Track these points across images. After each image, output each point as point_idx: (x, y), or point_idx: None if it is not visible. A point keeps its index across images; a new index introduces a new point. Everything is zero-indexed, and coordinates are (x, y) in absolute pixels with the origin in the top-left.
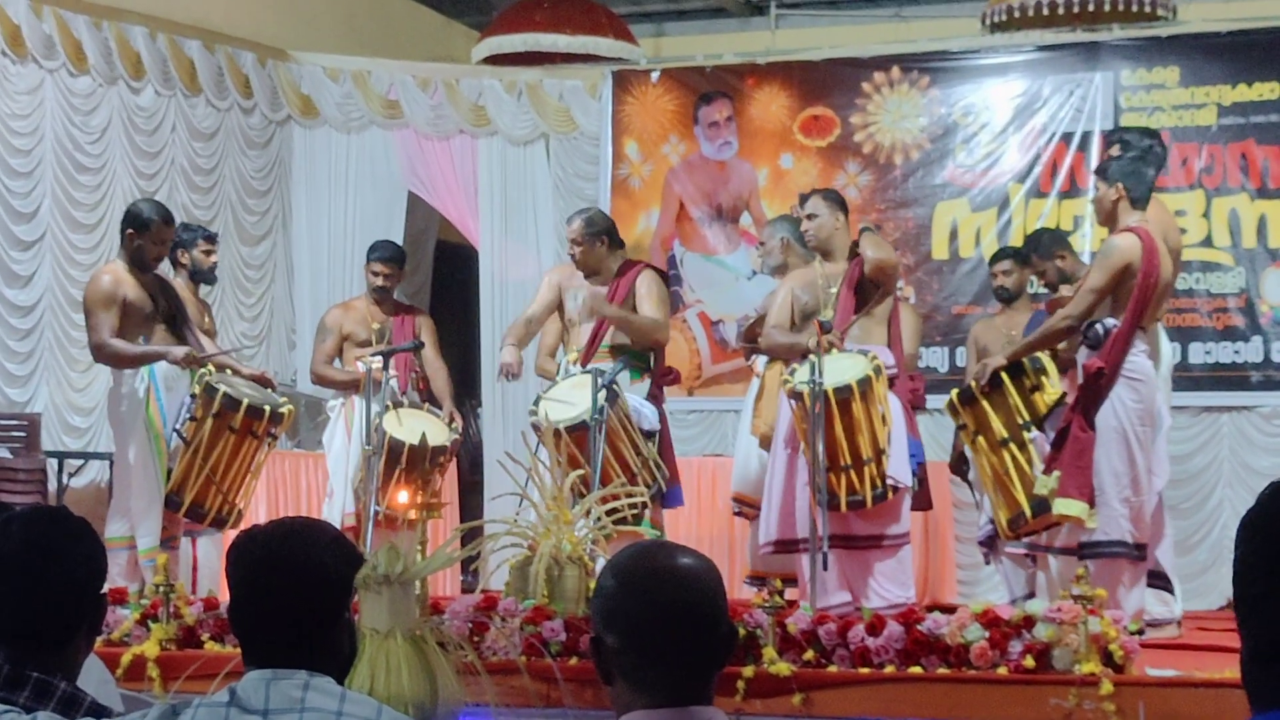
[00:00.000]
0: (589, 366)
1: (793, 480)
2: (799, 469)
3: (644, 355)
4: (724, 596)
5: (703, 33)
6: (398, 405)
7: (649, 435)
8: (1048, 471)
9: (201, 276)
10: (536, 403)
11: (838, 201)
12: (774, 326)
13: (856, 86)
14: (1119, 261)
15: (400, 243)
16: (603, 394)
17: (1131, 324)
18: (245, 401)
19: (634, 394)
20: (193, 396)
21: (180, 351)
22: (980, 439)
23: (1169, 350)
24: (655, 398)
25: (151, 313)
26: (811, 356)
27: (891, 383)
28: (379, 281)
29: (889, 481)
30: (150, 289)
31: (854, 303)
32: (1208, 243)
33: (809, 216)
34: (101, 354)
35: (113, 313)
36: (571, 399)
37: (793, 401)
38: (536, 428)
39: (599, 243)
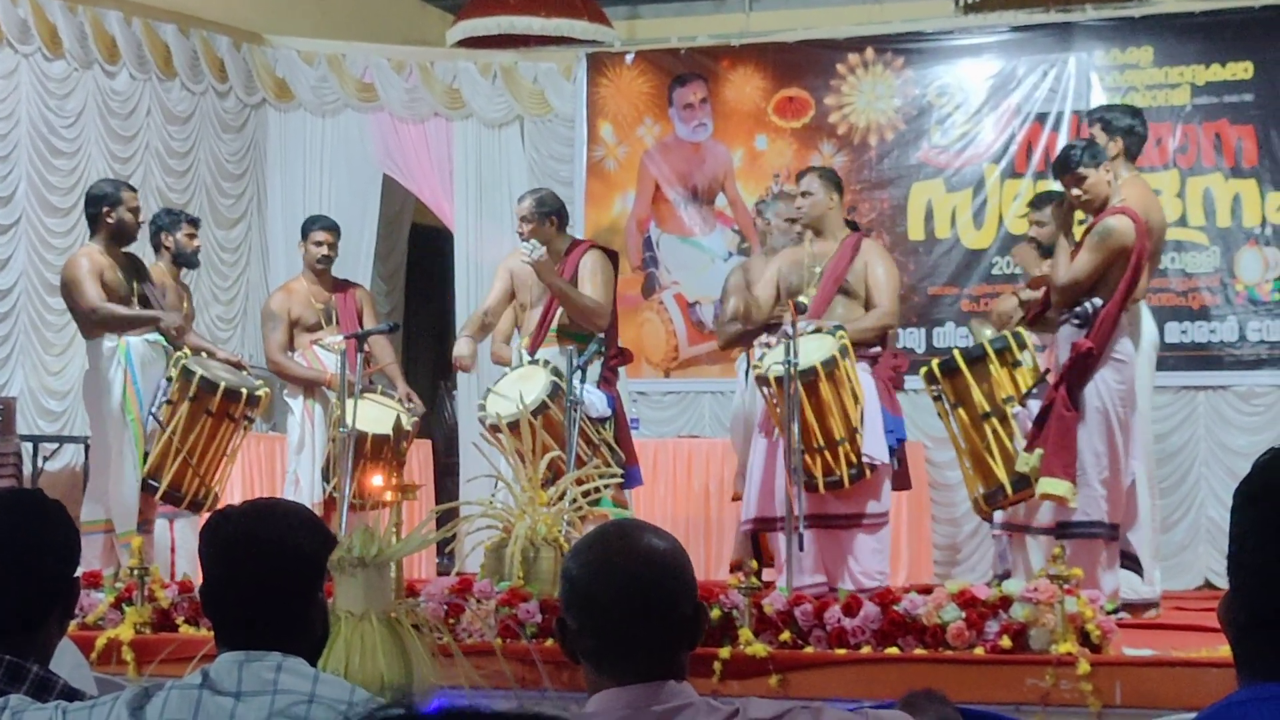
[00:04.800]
0: (537, 355)
1: (773, 462)
2: (778, 452)
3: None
4: (686, 577)
5: (677, 15)
6: (368, 390)
7: (599, 422)
8: (1030, 449)
9: (184, 260)
10: (486, 396)
11: (833, 180)
12: (730, 320)
13: (831, 68)
14: (1116, 244)
15: (375, 226)
16: (577, 375)
17: (1120, 304)
18: (222, 385)
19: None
20: (169, 380)
21: (174, 318)
22: (960, 411)
23: (1152, 329)
24: (608, 381)
25: (127, 295)
26: (784, 339)
27: (875, 361)
28: (323, 251)
29: (865, 459)
30: (125, 271)
31: (834, 290)
32: (1182, 222)
33: (803, 194)
34: (97, 316)
35: (96, 283)
36: (513, 393)
37: (764, 388)
38: (483, 422)
39: (548, 223)
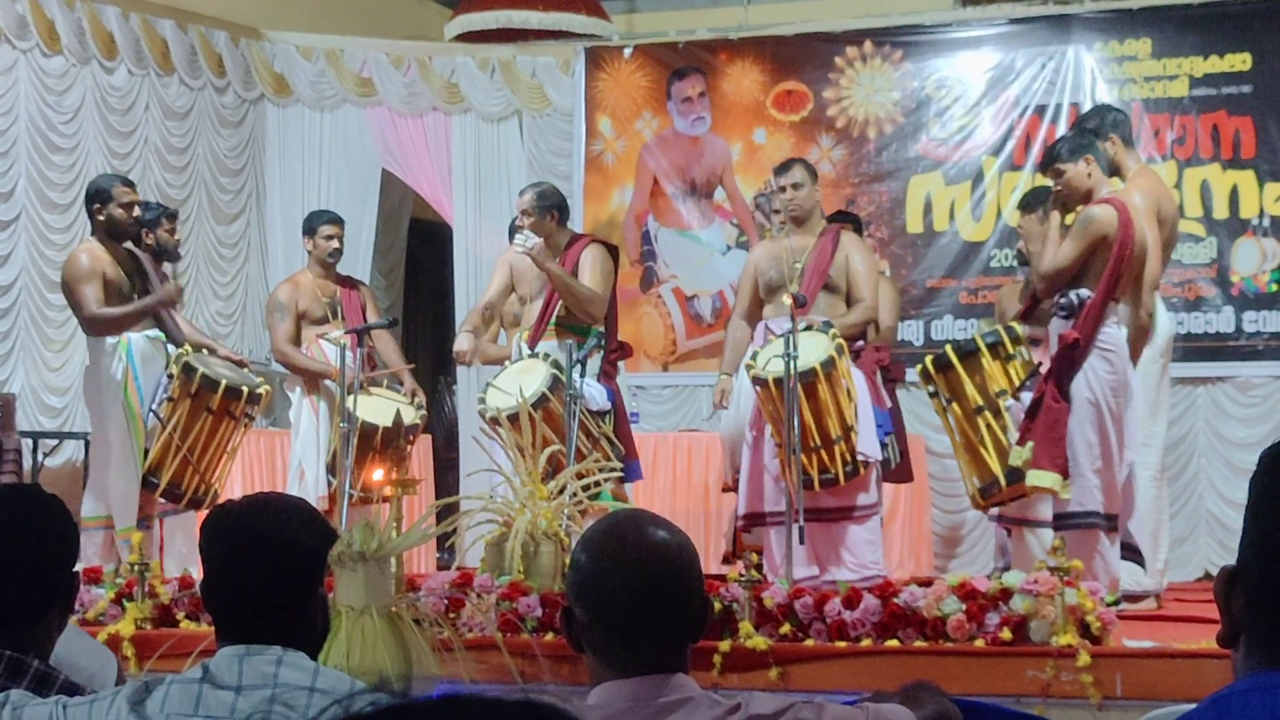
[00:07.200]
0: (537, 348)
1: (760, 458)
2: (765, 447)
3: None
4: (695, 571)
5: (675, 8)
6: (373, 384)
7: (599, 415)
8: (1021, 442)
9: (167, 255)
10: (485, 390)
11: (814, 172)
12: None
13: (829, 61)
14: (1096, 232)
15: (374, 221)
16: (577, 369)
17: (1105, 295)
18: (223, 382)
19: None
20: (170, 377)
21: (166, 291)
22: (954, 406)
23: (1168, 321)
24: (608, 375)
25: (129, 290)
26: (782, 336)
27: (858, 355)
28: (334, 245)
29: (859, 458)
30: (126, 266)
31: (820, 286)
32: (1179, 214)
33: (794, 185)
34: (95, 325)
35: (96, 285)
36: (512, 387)
37: (757, 387)
38: (482, 415)
39: (549, 216)
